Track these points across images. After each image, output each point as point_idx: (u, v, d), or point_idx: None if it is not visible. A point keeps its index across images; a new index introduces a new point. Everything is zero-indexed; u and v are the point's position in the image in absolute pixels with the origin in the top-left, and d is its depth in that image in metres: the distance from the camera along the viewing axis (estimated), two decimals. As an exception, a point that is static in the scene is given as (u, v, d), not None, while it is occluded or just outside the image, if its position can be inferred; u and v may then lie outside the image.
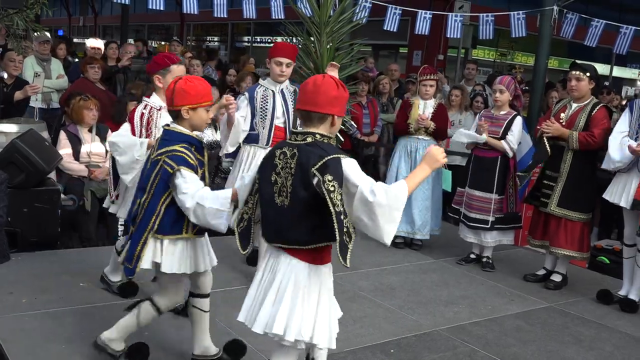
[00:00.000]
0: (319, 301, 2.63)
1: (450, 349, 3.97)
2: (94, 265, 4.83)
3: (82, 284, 4.47)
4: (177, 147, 3.04)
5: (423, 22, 8.74)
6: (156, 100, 4.02)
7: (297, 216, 2.54)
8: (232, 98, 4.42)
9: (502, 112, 5.51)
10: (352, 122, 7.10)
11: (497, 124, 5.49)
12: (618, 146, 4.72)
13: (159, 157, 3.06)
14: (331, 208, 2.41)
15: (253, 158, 4.71)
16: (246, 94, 4.79)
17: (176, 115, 3.11)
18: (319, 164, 2.45)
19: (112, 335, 3.34)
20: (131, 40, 12.66)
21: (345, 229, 2.44)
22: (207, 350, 3.45)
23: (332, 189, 2.41)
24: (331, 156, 2.47)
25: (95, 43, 8.46)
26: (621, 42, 7.81)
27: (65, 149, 5.68)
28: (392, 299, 4.72)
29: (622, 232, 5.18)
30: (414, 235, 5.99)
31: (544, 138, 5.13)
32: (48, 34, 7.69)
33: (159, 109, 3.96)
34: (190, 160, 3.03)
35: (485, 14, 8.85)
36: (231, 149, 4.80)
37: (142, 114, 3.95)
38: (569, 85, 5.21)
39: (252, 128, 4.71)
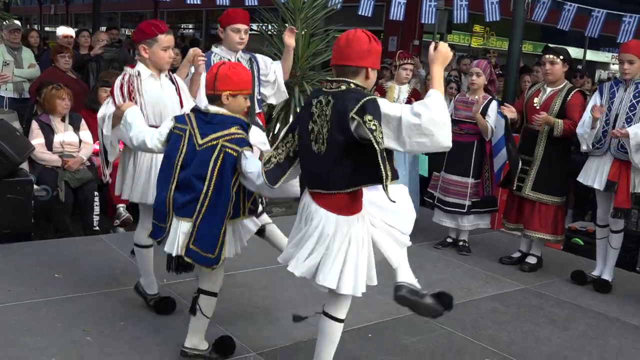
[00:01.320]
0: (348, 251, 2.77)
1: (428, 332, 4.00)
2: (69, 257, 4.79)
3: (56, 275, 4.42)
4: (233, 130, 3.07)
5: (397, 7, 8.74)
6: (143, 69, 3.72)
7: (334, 161, 2.64)
8: (201, 51, 4.18)
9: (476, 97, 5.54)
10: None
11: (467, 108, 5.51)
12: (580, 124, 4.81)
13: (215, 142, 3.03)
14: (375, 146, 2.49)
15: None
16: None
17: (215, 100, 3.13)
18: (357, 107, 2.54)
19: (194, 340, 3.36)
20: (103, 28, 12.47)
21: (388, 165, 2.54)
22: (197, 346, 3.40)
23: (374, 127, 2.51)
24: (366, 98, 2.56)
25: (66, 31, 8.32)
26: (593, 26, 7.89)
27: (37, 139, 5.60)
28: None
29: (596, 213, 5.25)
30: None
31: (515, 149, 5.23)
32: (18, 22, 7.55)
33: (138, 75, 3.69)
34: (248, 140, 3.11)
35: (459, -1, 8.87)
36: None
37: (122, 84, 3.67)
38: (542, 69, 5.25)
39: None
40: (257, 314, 4.06)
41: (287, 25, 6.87)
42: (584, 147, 4.87)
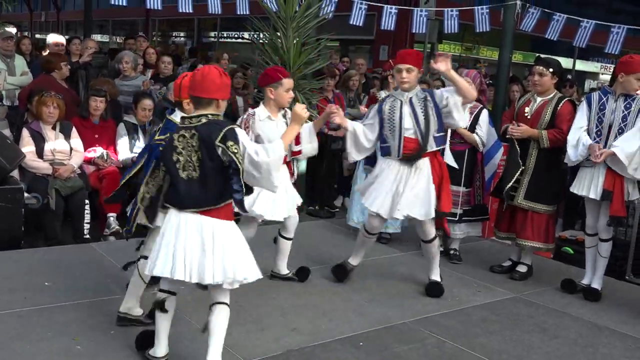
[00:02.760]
0: (233, 245, 3.20)
1: (419, 341, 4.01)
2: (59, 265, 4.77)
3: (47, 283, 4.40)
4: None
5: (389, 17, 8.79)
6: (261, 111, 4.47)
7: (208, 183, 3.11)
8: (335, 106, 4.57)
9: (468, 106, 5.56)
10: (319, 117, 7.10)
11: (460, 132, 5.53)
12: (574, 144, 4.83)
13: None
14: (239, 166, 3.01)
15: (388, 170, 4.61)
16: (377, 105, 4.75)
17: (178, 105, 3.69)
18: (220, 136, 3.04)
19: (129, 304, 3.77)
20: (97, 36, 12.44)
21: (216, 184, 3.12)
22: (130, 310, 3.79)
23: (235, 151, 3.03)
24: (227, 127, 3.09)
25: (57, 39, 8.29)
26: (581, 36, 7.96)
27: (28, 147, 5.58)
28: (361, 293, 4.75)
29: (585, 222, 5.28)
30: (386, 229, 6.02)
31: (517, 147, 5.18)
32: (12, 30, 7.52)
33: (253, 115, 4.44)
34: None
35: (449, 9, 8.93)
36: (355, 157, 4.86)
37: (244, 120, 4.47)
38: (531, 80, 5.28)
39: (383, 140, 4.63)
40: (248, 321, 4.06)
41: (278, 34, 6.91)
42: (569, 163, 4.91)
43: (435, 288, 4.80)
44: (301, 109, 3.49)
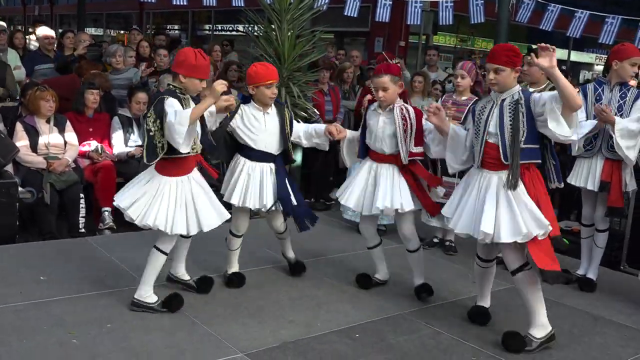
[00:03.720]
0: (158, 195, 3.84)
1: (415, 332, 4.02)
2: (55, 259, 4.77)
3: (42, 277, 4.39)
4: None
5: (383, 9, 8.77)
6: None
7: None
8: (434, 106, 4.11)
9: (463, 98, 5.56)
10: (315, 109, 7.10)
11: (459, 110, 5.53)
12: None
13: None
14: (146, 127, 3.69)
15: (469, 180, 4.03)
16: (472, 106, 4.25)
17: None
18: (153, 103, 3.73)
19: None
20: (92, 30, 12.39)
21: (153, 145, 3.73)
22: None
23: (149, 115, 3.70)
24: (159, 97, 3.66)
25: (46, 32, 8.21)
26: (575, 26, 7.96)
27: (22, 141, 5.56)
28: (357, 284, 4.75)
29: (581, 213, 5.29)
30: (381, 220, 6.02)
31: None
32: (3, 24, 7.48)
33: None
34: None
35: (444, 0, 8.91)
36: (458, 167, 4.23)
37: None
38: (522, 70, 5.27)
39: (471, 145, 4.02)
40: (245, 314, 4.06)
41: (273, 26, 6.88)
42: (575, 150, 4.90)
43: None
44: (218, 83, 3.68)
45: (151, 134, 3.68)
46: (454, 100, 5.61)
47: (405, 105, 4.45)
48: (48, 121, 5.72)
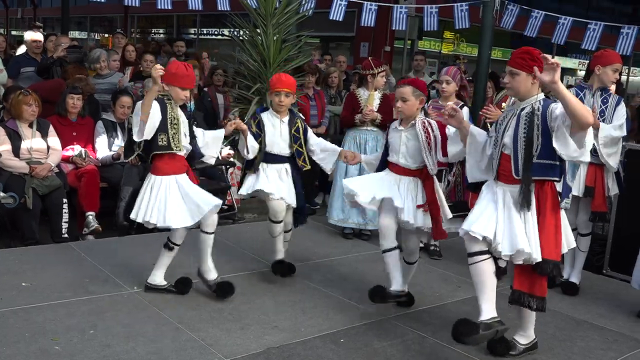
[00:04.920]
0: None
1: (399, 337, 4.03)
2: (36, 265, 4.72)
3: (24, 283, 4.34)
4: None
5: (369, 14, 8.79)
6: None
7: None
8: (456, 108, 3.97)
9: (449, 103, 5.58)
10: (300, 114, 7.10)
11: (443, 116, 5.54)
12: None
13: None
14: (127, 126, 3.99)
15: (487, 191, 3.87)
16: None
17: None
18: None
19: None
20: (76, 34, 12.30)
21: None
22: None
23: (131, 115, 4.09)
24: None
25: (35, 36, 8.17)
26: (559, 33, 8.03)
27: (4, 145, 5.50)
28: (342, 289, 4.75)
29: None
30: (366, 226, 6.04)
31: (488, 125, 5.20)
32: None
33: None
34: None
35: (429, 6, 8.96)
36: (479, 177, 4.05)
37: None
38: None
39: (491, 156, 3.84)
40: (228, 320, 4.04)
41: (258, 30, 6.88)
42: None
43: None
44: (155, 68, 4.06)
45: (131, 133, 4.07)
46: (439, 105, 5.63)
47: (427, 119, 4.42)
48: (31, 125, 5.66)
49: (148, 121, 4.00)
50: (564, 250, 3.69)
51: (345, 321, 4.18)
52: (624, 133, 4.81)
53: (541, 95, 3.62)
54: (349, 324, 4.14)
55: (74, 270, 4.65)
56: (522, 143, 3.57)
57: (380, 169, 4.49)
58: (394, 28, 9.43)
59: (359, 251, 5.67)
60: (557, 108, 3.48)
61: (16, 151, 5.53)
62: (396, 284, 4.29)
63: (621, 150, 4.93)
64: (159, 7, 8.33)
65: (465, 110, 5.57)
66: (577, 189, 4.86)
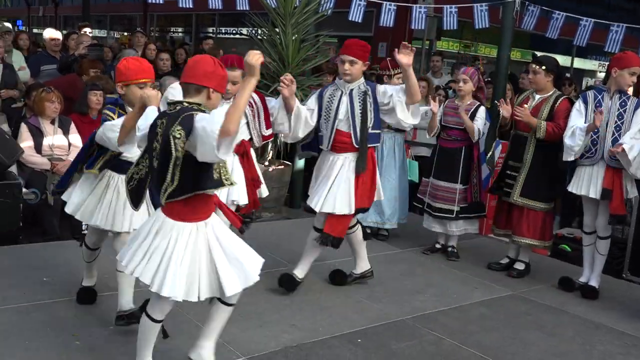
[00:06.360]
0: (166, 252, 2.85)
1: (417, 338, 4.03)
2: (58, 260, 4.78)
3: (45, 278, 4.40)
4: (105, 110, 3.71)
5: (388, 13, 8.76)
6: None
7: (164, 174, 2.78)
8: (289, 77, 4.20)
9: (465, 103, 5.57)
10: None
11: (460, 115, 5.54)
12: (569, 135, 4.83)
13: None
14: (173, 152, 2.70)
15: (321, 162, 4.60)
16: (318, 92, 4.67)
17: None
18: (177, 122, 2.72)
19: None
20: (96, 32, 12.42)
21: (170, 175, 2.76)
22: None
23: (178, 136, 2.69)
24: (187, 113, 2.73)
25: (53, 34, 8.25)
26: (581, 34, 7.94)
27: (26, 142, 5.57)
28: (360, 289, 4.76)
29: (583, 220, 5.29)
30: (383, 225, 6.04)
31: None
32: (9, 25, 7.50)
33: None
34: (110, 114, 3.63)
35: (448, 6, 8.92)
36: (290, 141, 4.80)
37: None
38: (527, 78, 5.32)
39: (318, 129, 4.55)
40: (247, 318, 4.06)
41: (277, 30, 6.90)
42: (569, 158, 4.90)
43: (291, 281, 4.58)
44: (254, 55, 2.74)
45: (177, 156, 2.76)
46: (455, 105, 5.62)
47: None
48: (52, 122, 5.73)
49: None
50: (377, 198, 4.60)
51: (363, 321, 4.19)
52: None
53: (362, 79, 4.46)
54: (366, 324, 4.14)
55: (94, 267, 4.69)
56: (359, 118, 4.36)
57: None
58: (412, 27, 9.39)
59: (377, 251, 5.67)
60: (386, 87, 4.48)
61: (38, 148, 5.60)
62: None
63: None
64: (181, 6, 8.38)
65: (482, 109, 5.55)
66: (594, 191, 4.83)
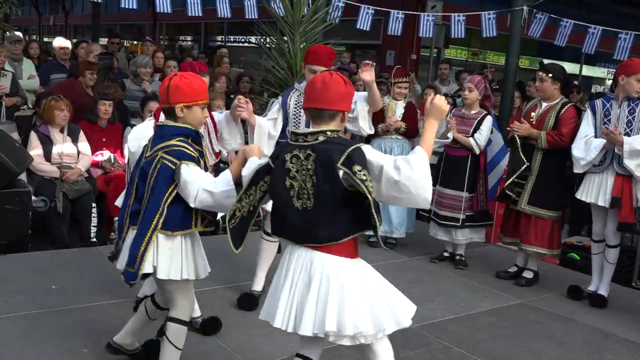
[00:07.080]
0: (367, 291, 2.62)
1: (425, 346, 4.01)
2: (66, 268, 4.80)
3: (54, 286, 4.42)
4: (173, 142, 2.95)
5: (395, 22, 8.80)
6: None
7: (326, 214, 2.56)
8: (244, 99, 4.05)
9: (472, 112, 5.56)
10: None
11: (467, 123, 5.54)
12: (582, 148, 4.81)
13: (155, 154, 2.96)
14: (369, 197, 2.46)
15: None
16: (280, 98, 4.58)
17: (170, 113, 3.03)
18: (342, 158, 2.48)
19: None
20: (104, 40, 12.51)
21: (377, 214, 2.50)
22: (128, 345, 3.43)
23: (364, 177, 2.46)
24: (352, 147, 2.51)
25: (63, 43, 8.31)
26: (589, 42, 7.96)
27: (36, 150, 5.61)
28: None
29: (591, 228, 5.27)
30: (391, 234, 6.03)
31: (518, 146, 5.17)
32: (19, 34, 7.56)
33: None
34: (189, 152, 2.95)
35: (456, 14, 8.94)
36: (267, 151, 4.49)
37: None
38: (534, 86, 5.33)
39: (286, 136, 4.26)
40: (254, 326, 4.05)
41: (285, 38, 6.93)
42: (578, 170, 4.89)
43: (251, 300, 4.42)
44: (442, 101, 2.68)
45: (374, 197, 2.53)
46: (462, 114, 5.62)
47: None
48: (62, 131, 5.77)
49: None
50: None
51: (370, 329, 4.17)
52: None
53: None
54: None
55: (102, 274, 4.71)
56: None
57: None
58: (420, 35, 9.42)
59: (384, 259, 5.65)
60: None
61: (47, 156, 5.64)
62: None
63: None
64: (190, 14, 8.44)
65: (489, 119, 5.54)
66: (603, 199, 4.80)
